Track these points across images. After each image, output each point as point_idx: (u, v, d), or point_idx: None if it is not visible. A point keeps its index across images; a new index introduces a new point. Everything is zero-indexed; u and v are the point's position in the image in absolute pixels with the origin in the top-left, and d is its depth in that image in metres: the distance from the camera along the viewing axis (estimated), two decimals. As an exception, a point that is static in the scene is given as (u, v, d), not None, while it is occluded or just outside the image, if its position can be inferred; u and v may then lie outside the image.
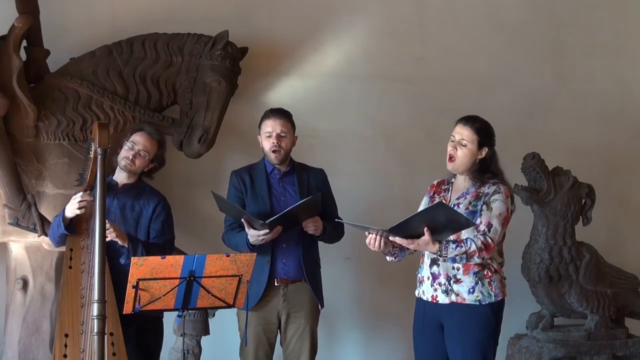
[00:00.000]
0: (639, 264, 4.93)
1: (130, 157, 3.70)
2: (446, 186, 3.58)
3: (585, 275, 4.50)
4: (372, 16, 4.97)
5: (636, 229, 5.23)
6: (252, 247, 3.65)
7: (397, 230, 3.25)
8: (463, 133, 3.44)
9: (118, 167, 3.76)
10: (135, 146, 3.70)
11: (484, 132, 3.46)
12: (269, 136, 3.80)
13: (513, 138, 4.95)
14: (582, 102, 5.19)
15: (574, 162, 4.69)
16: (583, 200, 4.56)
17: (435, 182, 3.65)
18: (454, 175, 3.57)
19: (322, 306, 3.88)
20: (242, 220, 3.61)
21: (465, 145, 3.43)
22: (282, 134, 3.80)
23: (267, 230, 3.57)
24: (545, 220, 4.48)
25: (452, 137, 3.48)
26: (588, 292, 4.52)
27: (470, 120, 3.47)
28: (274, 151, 3.80)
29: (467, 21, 5.08)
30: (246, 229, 3.61)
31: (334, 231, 3.82)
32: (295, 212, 3.59)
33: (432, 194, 3.61)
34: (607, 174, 5.11)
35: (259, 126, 3.87)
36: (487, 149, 3.46)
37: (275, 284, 3.76)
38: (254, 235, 3.60)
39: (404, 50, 4.99)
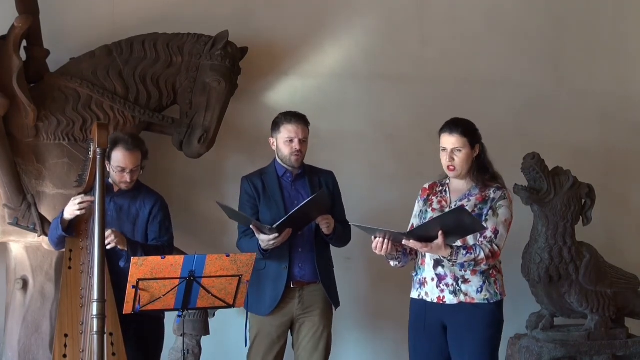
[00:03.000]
0: (639, 264, 4.93)
1: (128, 180, 3.67)
2: (441, 188, 3.59)
3: (585, 275, 4.50)
4: (372, 16, 4.97)
5: (636, 228, 5.24)
6: (265, 252, 3.66)
7: (415, 233, 3.27)
8: (452, 141, 3.46)
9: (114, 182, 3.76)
10: (125, 169, 3.66)
11: (470, 132, 3.49)
12: (290, 141, 3.78)
13: (513, 138, 4.97)
14: (582, 102, 5.19)
15: (574, 162, 4.69)
16: (583, 200, 4.56)
17: (426, 186, 3.65)
18: (446, 176, 3.58)
19: (338, 305, 3.90)
20: (251, 226, 3.60)
21: (460, 151, 3.46)
22: (303, 140, 3.80)
23: (277, 235, 3.57)
24: (545, 220, 4.48)
25: (442, 148, 3.50)
26: (588, 292, 4.52)
27: (453, 127, 3.49)
28: (295, 155, 3.79)
29: (467, 21, 5.08)
30: (256, 235, 3.61)
31: (342, 233, 3.82)
32: (303, 211, 3.56)
33: (426, 197, 3.61)
34: (607, 174, 5.11)
35: (276, 129, 3.83)
36: (479, 145, 3.51)
37: (291, 286, 3.77)
38: (265, 240, 3.60)
39: (404, 50, 4.99)
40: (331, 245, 3.91)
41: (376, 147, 4.94)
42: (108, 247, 3.44)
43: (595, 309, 4.53)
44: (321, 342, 3.82)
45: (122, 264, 3.56)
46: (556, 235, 4.47)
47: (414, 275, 3.58)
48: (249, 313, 3.82)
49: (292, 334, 3.86)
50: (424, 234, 3.26)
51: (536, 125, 5.09)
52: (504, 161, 4.49)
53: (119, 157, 3.65)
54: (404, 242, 3.29)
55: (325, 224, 3.71)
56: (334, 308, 3.90)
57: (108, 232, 3.43)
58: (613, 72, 5.25)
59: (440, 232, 3.22)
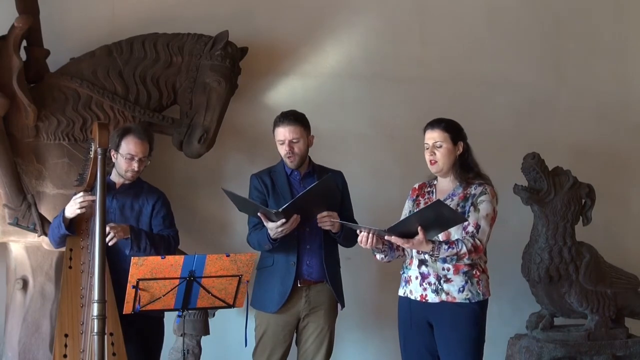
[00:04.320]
0: (639, 264, 4.93)
1: (136, 168, 3.67)
2: (429, 188, 3.63)
3: (585, 275, 4.50)
4: (372, 16, 4.97)
5: (636, 228, 5.24)
6: (274, 241, 3.64)
7: (395, 229, 3.29)
8: (434, 136, 3.52)
9: (115, 170, 3.75)
10: (134, 157, 3.66)
11: (452, 129, 3.53)
12: (282, 143, 3.77)
13: (513, 138, 4.97)
14: (582, 102, 5.19)
15: (574, 162, 4.69)
16: (583, 200, 4.56)
17: (416, 186, 3.70)
18: (436, 177, 3.61)
19: (343, 306, 3.89)
20: (259, 214, 3.58)
21: (440, 147, 3.50)
22: (294, 140, 3.75)
23: (284, 220, 3.55)
24: (545, 220, 4.49)
25: (425, 145, 3.55)
26: (588, 292, 4.52)
27: (436, 123, 3.55)
28: (288, 157, 3.77)
29: (467, 21, 5.08)
30: (265, 223, 3.60)
31: (351, 233, 3.77)
32: (310, 197, 3.53)
33: (415, 197, 3.66)
34: (607, 174, 5.11)
35: (273, 131, 3.83)
36: (462, 143, 3.53)
37: (298, 285, 3.76)
38: (273, 227, 3.57)
39: (404, 50, 4.99)
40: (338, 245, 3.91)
41: (376, 147, 4.94)
42: (110, 243, 3.44)
43: (595, 309, 4.53)
44: (324, 343, 3.82)
45: (127, 252, 3.55)
46: (556, 235, 4.48)
47: (401, 273, 3.62)
48: (255, 310, 3.82)
49: (296, 332, 3.86)
50: (405, 230, 3.29)
51: (536, 125, 5.10)
52: (504, 161, 4.52)
53: (130, 145, 3.65)
54: (386, 237, 3.34)
55: (329, 222, 3.67)
56: (340, 308, 3.89)
57: (108, 230, 3.43)
58: (613, 72, 5.25)
59: (419, 228, 3.25)
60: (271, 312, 3.76)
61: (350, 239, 3.81)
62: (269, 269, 3.76)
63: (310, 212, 3.64)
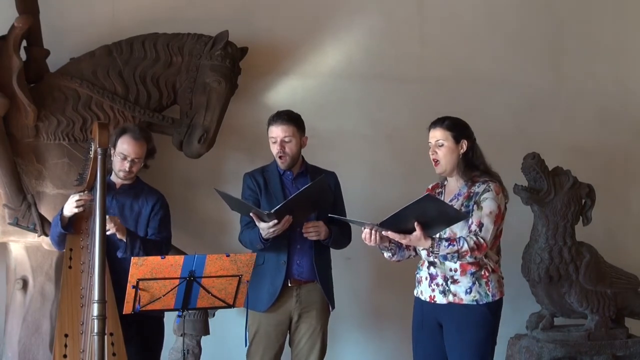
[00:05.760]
0: (639, 264, 4.93)
1: (127, 169, 3.67)
2: (440, 189, 3.62)
3: (585, 275, 4.50)
4: (372, 16, 4.97)
5: (636, 229, 5.24)
6: (266, 241, 3.65)
7: (388, 224, 3.25)
8: (436, 135, 3.49)
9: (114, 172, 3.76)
10: (127, 157, 3.66)
11: (455, 127, 3.49)
12: (274, 142, 3.78)
13: (513, 138, 4.97)
14: (582, 102, 5.19)
15: (574, 162, 4.69)
16: (583, 200, 4.56)
17: (430, 187, 3.68)
18: (446, 178, 3.59)
19: (333, 307, 3.89)
20: (251, 214, 3.59)
21: (442, 145, 3.47)
22: (286, 139, 3.76)
23: (276, 221, 3.55)
24: (545, 220, 4.49)
25: (429, 144, 3.52)
26: (588, 292, 4.52)
27: (439, 121, 3.51)
28: (280, 157, 3.78)
29: (467, 21, 5.08)
30: (257, 223, 3.60)
31: (340, 236, 3.79)
32: (302, 198, 3.53)
33: None
34: (607, 174, 5.11)
35: (267, 130, 3.84)
36: (465, 142, 3.48)
37: (289, 285, 3.76)
38: (264, 228, 3.58)
39: (404, 50, 4.99)
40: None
41: (376, 147, 4.94)
42: (108, 232, 3.43)
43: (595, 309, 4.53)
44: (317, 343, 3.82)
45: (119, 254, 3.55)
46: (556, 235, 4.48)
47: (416, 274, 3.60)
48: (248, 310, 3.82)
49: (289, 333, 3.86)
50: (401, 226, 3.25)
51: (536, 125, 5.10)
52: (504, 161, 4.49)
53: (124, 145, 3.66)
54: (383, 233, 3.30)
55: (314, 232, 3.70)
56: (330, 308, 3.89)
57: (108, 219, 3.42)
58: (613, 71, 5.26)
59: (416, 223, 3.23)
60: (261, 312, 3.76)
61: (340, 242, 3.83)
62: (259, 267, 3.75)
63: (302, 213, 3.65)
